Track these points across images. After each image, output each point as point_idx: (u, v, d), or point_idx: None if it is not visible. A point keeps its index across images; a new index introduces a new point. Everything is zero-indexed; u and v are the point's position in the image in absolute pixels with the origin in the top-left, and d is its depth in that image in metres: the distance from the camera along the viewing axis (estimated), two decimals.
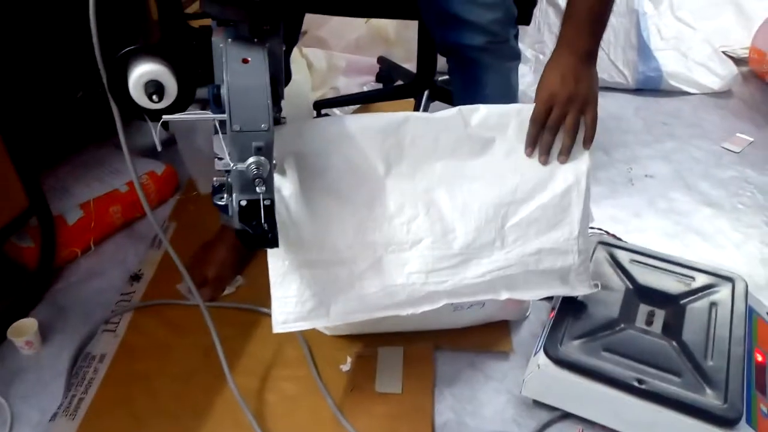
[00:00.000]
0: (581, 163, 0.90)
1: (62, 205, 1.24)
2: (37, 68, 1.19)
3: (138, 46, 0.68)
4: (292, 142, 0.83)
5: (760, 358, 0.96)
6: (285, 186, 0.81)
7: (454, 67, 1.16)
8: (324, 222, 0.83)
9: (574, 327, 0.96)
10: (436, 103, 1.65)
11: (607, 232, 1.31)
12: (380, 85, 1.86)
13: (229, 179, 0.75)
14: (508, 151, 0.90)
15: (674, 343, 0.93)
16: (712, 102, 1.89)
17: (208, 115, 0.71)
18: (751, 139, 1.71)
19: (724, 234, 1.37)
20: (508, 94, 1.17)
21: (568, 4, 0.88)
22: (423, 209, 0.87)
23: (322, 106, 1.68)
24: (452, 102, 1.23)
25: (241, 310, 1.14)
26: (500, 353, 1.07)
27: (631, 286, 1.03)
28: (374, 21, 1.92)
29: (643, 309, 0.99)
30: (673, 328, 0.95)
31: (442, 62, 1.67)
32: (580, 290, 0.95)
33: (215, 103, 0.71)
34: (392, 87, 1.82)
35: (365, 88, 1.87)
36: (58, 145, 1.37)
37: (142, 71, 0.67)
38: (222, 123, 0.71)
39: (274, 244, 0.70)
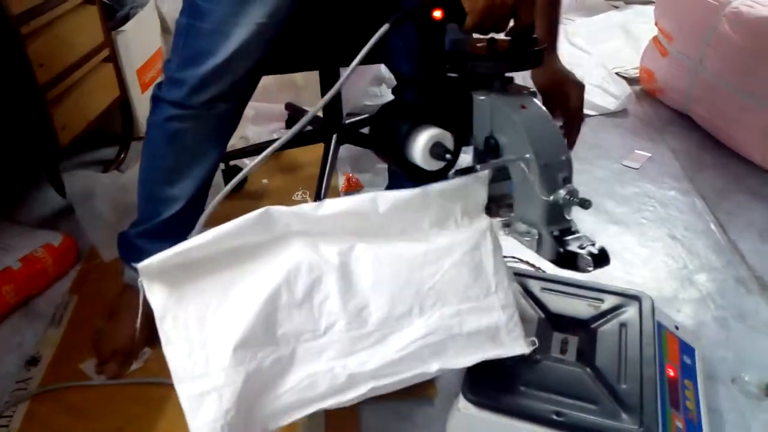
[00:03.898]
0: (482, 221, 0.89)
1: None
2: None
3: (415, 117, 0.78)
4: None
5: (671, 373, 0.98)
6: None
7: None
8: (228, 323, 0.75)
9: (492, 364, 0.94)
10: (346, 145, 1.65)
11: (521, 260, 1.33)
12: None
13: (513, 218, 0.84)
14: (410, 232, 0.87)
15: (588, 369, 0.94)
16: (610, 122, 1.98)
17: (510, 158, 0.81)
18: (649, 155, 1.80)
19: (631, 250, 1.42)
20: None
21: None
22: (334, 287, 0.81)
23: (231, 157, 1.64)
24: None
25: (151, 384, 1.07)
26: (425, 399, 1.05)
27: (543, 315, 1.04)
28: None
29: (557, 337, 1.00)
30: (586, 355, 0.96)
31: (348, 105, 1.69)
32: (516, 349, 0.89)
33: (488, 153, 0.82)
34: (302, 132, 1.81)
35: (275, 136, 1.85)
36: None
37: (428, 136, 0.77)
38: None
39: (606, 261, 0.76)
